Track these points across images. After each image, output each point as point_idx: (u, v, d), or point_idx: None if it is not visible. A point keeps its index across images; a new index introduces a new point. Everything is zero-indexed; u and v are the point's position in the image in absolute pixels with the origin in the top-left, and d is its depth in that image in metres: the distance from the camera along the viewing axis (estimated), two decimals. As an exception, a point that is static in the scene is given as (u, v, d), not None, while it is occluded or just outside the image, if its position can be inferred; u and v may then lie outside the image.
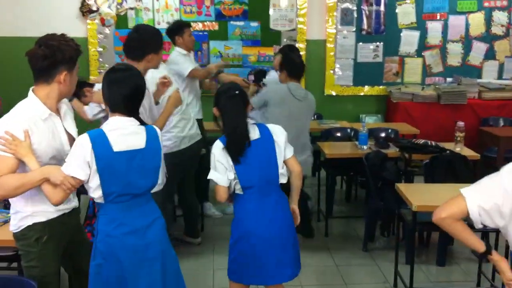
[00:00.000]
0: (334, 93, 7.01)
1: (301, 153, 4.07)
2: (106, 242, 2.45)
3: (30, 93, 2.50)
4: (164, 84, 3.46)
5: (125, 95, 2.45)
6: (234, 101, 2.83)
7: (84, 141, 2.37)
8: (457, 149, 4.68)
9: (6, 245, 3.04)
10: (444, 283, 4.08)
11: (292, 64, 4.39)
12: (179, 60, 4.83)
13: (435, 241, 4.49)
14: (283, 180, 2.90)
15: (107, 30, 6.67)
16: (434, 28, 6.93)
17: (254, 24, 6.84)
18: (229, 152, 2.77)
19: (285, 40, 6.88)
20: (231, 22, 6.82)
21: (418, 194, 3.65)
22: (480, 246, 2.09)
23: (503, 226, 2.02)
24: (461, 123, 4.84)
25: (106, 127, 2.45)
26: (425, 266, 4.32)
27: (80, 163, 2.35)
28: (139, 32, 3.43)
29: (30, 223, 2.51)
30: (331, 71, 6.98)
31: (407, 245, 4.14)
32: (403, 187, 3.77)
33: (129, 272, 2.44)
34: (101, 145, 2.37)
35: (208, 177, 2.83)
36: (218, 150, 2.80)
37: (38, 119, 2.43)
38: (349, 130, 5.64)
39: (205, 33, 6.80)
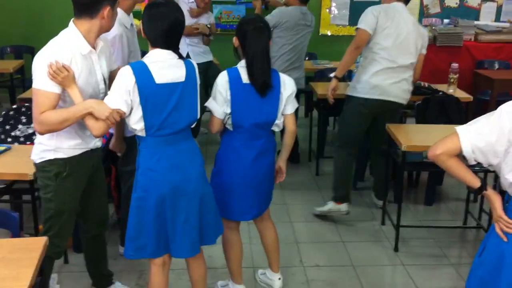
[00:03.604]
0: (329, 33, 6.91)
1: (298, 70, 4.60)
2: (147, 175, 2.48)
3: (72, 25, 2.44)
4: None
5: (165, 29, 2.41)
6: (259, 33, 2.76)
7: (127, 73, 2.35)
8: (450, 91, 4.67)
9: (-3, 177, 3.10)
10: (431, 221, 4.16)
11: None
12: None
13: (424, 181, 4.55)
14: (275, 129, 2.90)
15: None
16: (433, -33, 6.78)
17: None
18: (255, 83, 2.73)
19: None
20: None
21: (408, 134, 3.67)
22: (476, 182, 2.11)
23: (496, 164, 2.03)
24: (455, 65, 4.80)
25: (147, 59, 2.42)
26: (413, 205, 4.40)
27: (124, 95, 2.34)
28: None
29: (52, 158, 2.52)
30: (327, 10, 6.85)
31: (396, 184, 4.19)
32: (393, 128, 3.78)
33: (168, 205, 2.49)
34: (144, 77, 2.36)
35: (205, 105, 2.82)
36: (222, 81, 2.76)
37: (78, 54, 2.40)
38: (343, 71, 5.58)
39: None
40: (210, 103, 2.79)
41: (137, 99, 2.35)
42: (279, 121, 2.86)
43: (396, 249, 3.71)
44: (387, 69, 3.78)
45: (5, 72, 5.65)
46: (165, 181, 2.48)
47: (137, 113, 2.39)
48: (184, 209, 2.52)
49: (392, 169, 4.18)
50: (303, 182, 4.81)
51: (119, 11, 3.02)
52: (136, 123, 2.42)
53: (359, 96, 3.87)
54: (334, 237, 3.89)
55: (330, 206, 4.09)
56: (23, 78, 5.66)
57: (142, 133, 2.45)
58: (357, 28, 3.81)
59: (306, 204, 4.37)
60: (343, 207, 4.06)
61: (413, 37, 3.82)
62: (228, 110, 2.75)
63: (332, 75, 4.05)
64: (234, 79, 2.75)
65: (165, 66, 2.42)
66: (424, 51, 3.96)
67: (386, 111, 3.93)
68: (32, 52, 5.89)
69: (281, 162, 3.00)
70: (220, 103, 2.76)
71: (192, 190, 2.54)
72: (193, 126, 2.60)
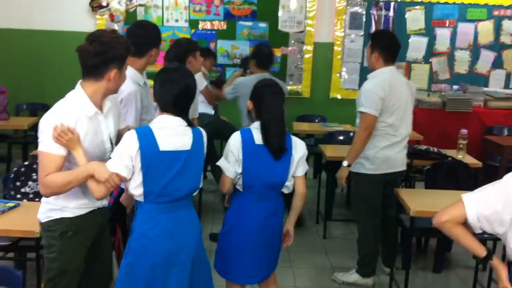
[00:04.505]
0: (339, 97, 7.01)
1: None
2: (140, 241, 2.45)
3: (79, 87, 2.47)
4: None
5: (176, 95, 2.43)
6: (276, 98, 2.83)
7: (131, 138, 2.36)
8: (459, 157, 4.66)
9: (4, 235, 3.10)
10: (440, 290, 4.08)
11: (261, 55, 4.59)
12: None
13: (433, 247, 4.48)
14: (285, 190, 2.90)
15: (116, 26, 6.69)
16: (442, 35, 6.93)
17: (263, 24, 6.86)
18: (270, 146, 2.76)
19: (293, 41, 6.89)
20: (240, 22, 6.84)
21: (417, 199, 3.64)
22: (481, 251, 2.08)
23: (502, 233, 2.01)
24: (464, 131, 4.82)
25: (153, 125, 2.43)
26: (421, 272, 4.32)
27: (125, 160, 2.34)
28: (142, 27, 3.41)
29: (58, 217, 2.51)
30: (337, 75, 6.98)
31: (404, 251, 4.13)
32: (402, 192, 3.76)
33: (159, 274, 2.44)
34: (147, 143, 2.35)
35: (217, 164, 2.83)
36: (235, 141, 2.79)
37: (83, 116, 2.43)
38: (352, 134, 5.60)
39: (213, 32, 6.82)
40: (221, 162, 2.80)
41: (138, 164, 2.35)
42: (289, 183, 2.86)
43: (404, 317, 3.62)
44: (393, 143, 3.79)
45: (20, 128, 5.79)
46: (158, 249, 2.43)
47: (137, 178, 2.38)
48: (176, 280, 2.47)
49: (401, 234, 4.13)
50: (310, 245, 4.74)
51: (132, 70, 3.10)
52: (135, 189, 2.41)
53: (369, 173, 3.83)
54: (341, 303, 3.81)
55: (356, 278, 4.00)
56: (37, 135, 5.74)
57: (140, 198, 2.43)
58: (361, 112, 3.70)
59: (313, 268, 4.31)
60: (370, 281, 4.00)
61: (409, 103, 3.85)
62: (239, 170, 2.76)
63: (345, 164, 3.83)
64: (247, 141, 2.78)
65: (172, 133, 2.43)
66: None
67: (394, 179, 3.92)
68: (46, 109, 5.94)
69: (289, 225, 2.98)
70: (232, 163, 2.77)
71: (185, 261, 2.49)
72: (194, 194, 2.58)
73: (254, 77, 4.46)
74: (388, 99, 3.67)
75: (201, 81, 4.75)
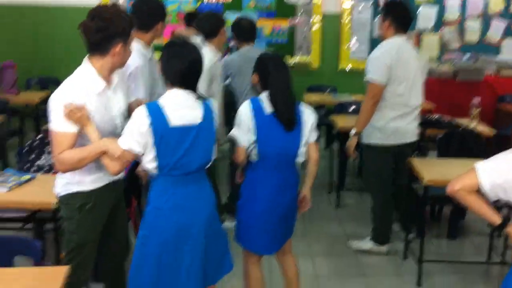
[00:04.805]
0: (349, 67, 6.96)
1: None
2: (154, 214, 2.46)
3: (86, 62, 2.46)
4: None
5: (183, 68, 2.41)
6: (281, 69, 2.81)
7: (141, 114, 2.34)
8: (472, 126, 4.65)
9: (21, 207, 3.12)
10: (455, 256, 4.09)
11: (239, 28, 4.36)
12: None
13: (447, 215, 4.49)
14: (300, 159, 2.90)
15: (120, 0, 6.63)
16: (452, 4, 6.82)
17: (270, -5, 6.78)
18: (280, 118, 2.75)
19: (300, 12, 6.82)
20: (247, -7, 6.76)
21: (430, 168, 3.64)
22: (496, 219, 2.08)
23: None
24: (476, 99, 4.79)
25: (163, 100, 2.42)
26: (436, 239, 4.33)
27: (137, 136, 2.33)
28: (147, 2, 3.39)
29: (75, 191, 2.52)
30: (347, 46, 6.92)
31: (418, 219, 4.14)
32: (415, 162, 3.76)
33: (173, 247, 2.46)
34: (158, 119, 2.35)
35: (230, 134, 2.83)
36: (245, 110, 2.78)
37: (92, 91, 2.42)
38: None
39: (220, 4, 6.75)
40: (234, 132, 2.80)
41: (151, 140, 2.34)
42: (303, 149, 2.86)
43: (419, 283, 3.64)
44: (403, 114, 3.77)
45: (31, 103, 5.83)
46: (170, 223, 2.44)
47: (150, 153, 2.38)
48: (189, 253, 2.48)
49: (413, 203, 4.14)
50: (323, 214, 4.77)
51: (138, 44, 3.10)
52: (149, 163, 2.40)
53: (379, 144, 3.83)
54: (355, 271, 3.83)
55: (371, 246, 4.04)
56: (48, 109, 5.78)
57: (154, 172, 2.43)
58: (368, 81, 3.69)
59: (326, 237, 4.34)
60: (385, 248, 4.02)
61: (419, 73, 3.81)
62: (253, 138, 2.76)
63: (353, 132, 3.86)
64: (257, 109, 2.77)
65: (181, 107, 2.41)
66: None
67: (405, 150, 3.91)
68: (57, 83, 5.96)
69: (306, 190, 2.97)
70: (244, 131, 2.77)
71: (197, 234, 2.49)
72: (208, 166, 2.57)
73: (239, 52, 4.37)
74: (396, 67, 3.64)
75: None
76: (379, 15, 3.86)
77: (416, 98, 3.80)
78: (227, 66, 4.29)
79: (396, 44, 3.70)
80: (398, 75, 3.66)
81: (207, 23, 3.96)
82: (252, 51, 4.09)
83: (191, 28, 5.20)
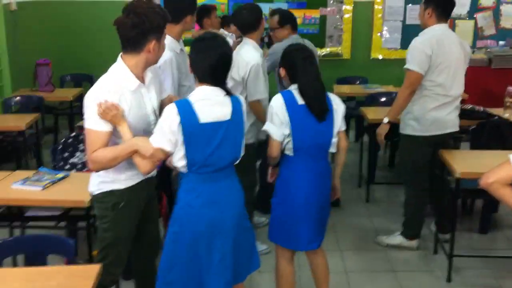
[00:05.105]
0: (380, 57, 6.87)
1: None
2: (185, 210, 2.48)
3: (120, 60, 2.49)
4: None
5: (212, 64, 2.40)
6: (309, 62, 2.80)
7: (171, 112, 2.36)
8: (506, 115, 4.55)
9: (55, 205, 3.21)
10: (486, 250, 4.03)
11: (294, 19, 4.39)
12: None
13: (479, 208, 4.42)
14: (333, 149, 2.90)
15: (153, -7, 6.69)
16: (488, -12, 6.66)
17: (300, -15, 6.73)
18: (313, 110, 2.75)
19: (332, 1, 6.76)
20: (277, -17, 6.72)
21: (462, 160, 3.59)
22: None
23: None
24: (511, 88, 4.68)
25: (193, 97, 2.43)
26: (467, 233, 4.27)
27: (168, 134, 2.35)
28: None
29: (109, 189, 2.56)
30: (378, 34, 6.83)
31: (449, 212, 4.08)
32: (447, 154, 3.70)
33: (204, 244, 2.48)
34: (188, 116, 2.36)
35: (263, 129, 2.84)
36: (278, 103, 2.77)
37: (127, 89, 2.45)
38: (394, 95, 5.51)
39: (250, -5, 6.74)
40: (267, 126, 2.80)
41: (180, 138, 2.36)
42: (335, 139, 2.86)
43: (449, 279, 3.60)
44: (443, 104, 3.70)
45: (65, 100, 5.94)
46: (202, 218, 2.46)
47: (180, 151, 2.39)
48: (220, 248, 2.50)
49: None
50: (352, 208, 4.75)
51: (168, 37, 3.10)
52: (179, 161, 2.42)
53: (418, 135, 3.77)
54: (385, 266, 3.82)
55: (401, 240, 4.00)
56: (82, 106, 5.88)
57: (184, 170, 2.45)
58: (407, 69, 3.64)
59: (356, 231, 4.33)
60: (415, 243, 3.99)
61: (461, 63, 3.74)
62: (287, 131, 2.76)
63: (386, 120, 3.81)
64: (290, 101, 2.77)
65: (211, 104, 2.41)
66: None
67: (444, 141, 3.85)
68: (91, 80, 6.14)
69: (335, 179, 2.99)
70: (278, 125, 2.77)
71: (228, 229, 2.51)
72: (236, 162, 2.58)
73: (284, 43, 4.19)
74: (436, 56, 3.58)
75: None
76: (421, 2, 3.78)
77: (457, 88, 3.74)
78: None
79: (437, 33, 3.64)
80: (438, 64, 3.60)
81: (248, 14, 3.66)
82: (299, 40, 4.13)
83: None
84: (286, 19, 4.35)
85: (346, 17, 6.81)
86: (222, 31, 5.78)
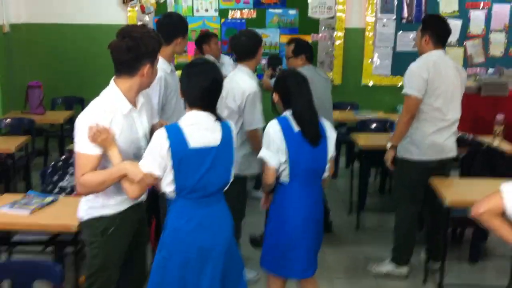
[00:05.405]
0: (371, 83, 6.92)
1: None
2: (174, 236, 2.46)
3: (112, 84, 2.49)
4: None
5: (203, 89, 2.42)
6: (303, 87, 2.82)
7: (161, 137, 2.36)
8: (495, 143, 4.58)
9: (42, 229, 3.18)
10: (475, 280, 4.01)
11: (309, 49, 4.43)
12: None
13: (469, 237, 4.41)
14: (326, 174, 2.91)
15: (147, 18, 6.73)
16: (477, 17, 6.73)
17: (292, 11, 6.79)
18: (307, 135, 2.76)
19: (323, 28, 6.82)
20: (269, 10, 6.79)
21: (452, 188, 3.60)
22: None
23: None
24: (500, 116, 4.72)
25: (183, 122, 2.43)
26: (457, 263, 4.25)
27: (157, 159, 2.35)
28: (168, 16, 3.60)
29: (99, 215, 2.54)
30: (369, 60, 6.89)
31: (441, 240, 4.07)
32: (437, 182, 3.70)
33: (192, 269, 2.46)
34: (177, 141, 2.36)
35: (259, 156, 2.84)
36: (274, 130, 2.78)
37: (119, 113, 2.45)
38: (385, 122, 5.56)
39: (243, 21, 6.79)
40: (263, 153, 2.80)
41: (169, 162, 2.35)
42: (329, 165, 2.88)
43: (439, 308, 3.59)
44: (440, 128, 3.73)
45: (56, 122, 5.93)
46: (192, 243, 2.44)
47: (169, 176, 2.39)
48: (209, 275, 2.48)
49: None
50: (343, 236, 4.72)
51: (159, 58, 3.13)
52: (167, 186, 2.42)
53: (415, 159, 3.77)
54: (375, 294, 3.79)
55: (390, 268, 3.98)
56: (73, 129, 5.86)
57: (172, 195, 2.44)
58: (405, 94, 3.67)
59: (346, 259, 4.30)
60: (405, 270, 3.96)
61: (458, 87, 3.77)
62: (283, 158, 2.76)
63: (389, 145, 3.85)
64: (286, 128, 2.78)
65: (201, 129, 2.42)
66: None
67: (442, 166, 3.86)
68: (82, 103, 6.14)
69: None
70: (274, 152, 2.77)
71: (218, 256, 2.50)
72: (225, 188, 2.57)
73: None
74: (432, 80, 3.62)
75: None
76: (418, 29, 3.83)
77: (455, 112, 3.78)
78: None
79: (434, 58, 3.69)
80: (435, 88, 3.64)
81: (247, 41, 3.61)
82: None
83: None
84: (300, 49, 4.37)
85: (337, 44, 6.86)
86: (222, 57, 5.86)
